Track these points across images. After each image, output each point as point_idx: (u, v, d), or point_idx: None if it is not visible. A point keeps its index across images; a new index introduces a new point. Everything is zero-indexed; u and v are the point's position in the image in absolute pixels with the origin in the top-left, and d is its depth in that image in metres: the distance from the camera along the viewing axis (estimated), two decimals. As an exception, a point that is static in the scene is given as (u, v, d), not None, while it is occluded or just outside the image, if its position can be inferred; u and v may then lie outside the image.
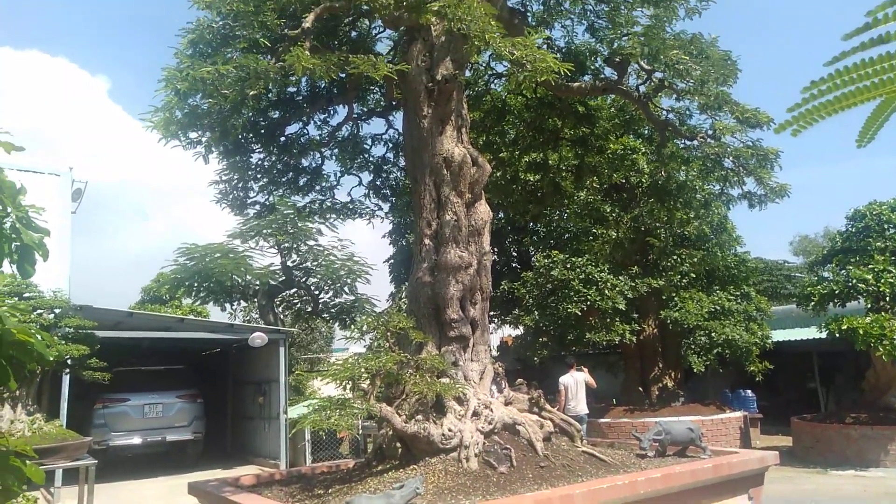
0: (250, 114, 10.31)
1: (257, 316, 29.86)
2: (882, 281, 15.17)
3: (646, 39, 11.01)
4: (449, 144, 10.65)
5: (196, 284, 24.34)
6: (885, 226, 16.05)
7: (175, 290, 26.18)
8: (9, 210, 4.52)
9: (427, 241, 10.70)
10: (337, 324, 28.65)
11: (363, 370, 8.82)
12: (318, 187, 13.08)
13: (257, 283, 25.41)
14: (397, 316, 9.53)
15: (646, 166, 17.42)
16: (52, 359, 4.16)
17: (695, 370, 19.54)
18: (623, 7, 12.19)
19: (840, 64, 1.84)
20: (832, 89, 2.00)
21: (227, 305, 26.40)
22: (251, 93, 8.59)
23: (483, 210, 10.97)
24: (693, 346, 19.12)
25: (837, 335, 15.47)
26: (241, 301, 26.97)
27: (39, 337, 3.93)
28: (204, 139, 9.62)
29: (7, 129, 4.08)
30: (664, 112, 12.76)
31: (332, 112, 12.66)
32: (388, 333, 9.53)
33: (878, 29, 1.56)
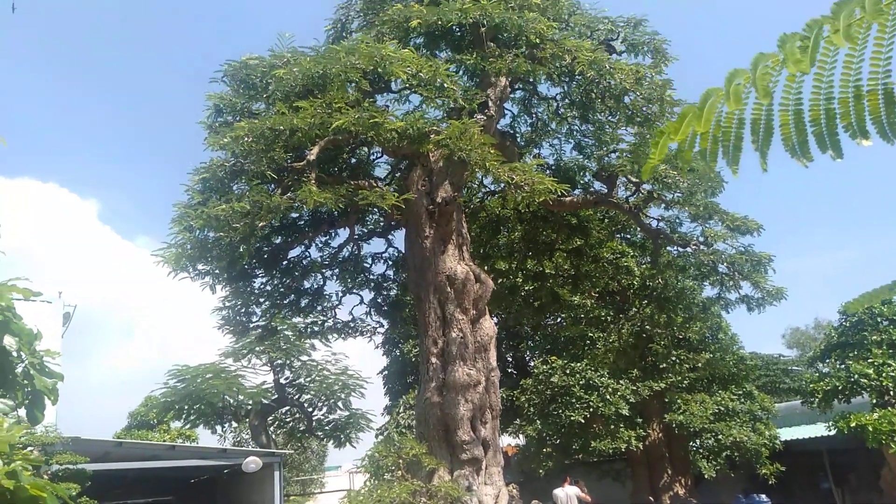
0: (257, 243, 10.52)
1: (248, 437, 28.73)
2: (884, 375, 15.17)
3: (633, 156, 11.60)
4: (451, 263, 10.87)
5: (187, 407, 23.58)
6: (879, 319, 16.26)
7: (164, 414, 25.32)
8: (23, 356, 4.48)
9: (434, 359, 10.66)
10: (331, 441, 27.64)
11: (376, 502, 8.49)
12: (319, 307, 13.13)
13: (249, 402, 24.70)
14: (409, 441, 9.30)
15: (636, 269, 17.75)
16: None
17: (705, 475, 18.94)
18: (608, 126, 12.93)
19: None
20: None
21: (218, 428, 25.48)
22: (261, 224, 8.81)
23: (488, 326, 11.04)
24: (701, 450, 18.63)
25: (847, 433, 15.22)
26: (233, 422, 26.09)
27: (50, 489, 3.79)
28: (212, 270, 9.73)
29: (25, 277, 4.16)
30: (655, 221, 13.22)
31: (333, 234, 12.95)
32: (401, 461, 9.27)
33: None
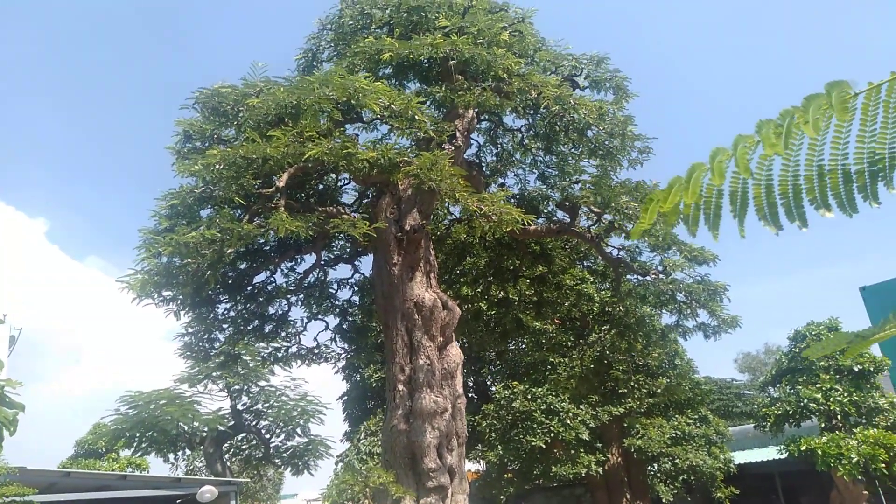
0: (224, 269, 10.43)
1: (202, 465, 27.93)
2: (831, 399, 15.85)
3: (596, 188, 11.98)
4: (419, 290, 10.98)
5: (138, 435, 22.83)
6: (825, 346, 17.01)
7: (114, 442, 24.43)
8: None
9: (401, 386, 10.69)
10: (289, 469, 27.05)
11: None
12: (284, 333, 13.01)
13: (205, 429, 24.05)
14: (376, 470, 9.29)
15: (596, 295, 18.17)
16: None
17: (663, 499, 19.29)
18: (570, 158, 13.34)
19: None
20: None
21: (171, 456, 24.70)
22: (229, 251, 8.77)
23: (455, 353, 11.14)
24: (659, 474, 19.01)
25: (797, 456, 15.80)
26: (187, 450, 25.33)
27: None
28: (177, 296, 9.61)
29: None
30: (616, 250, 13.63)
31: (299, 260, 12.92)
32: (367, 490, 9.24)
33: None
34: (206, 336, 11.98)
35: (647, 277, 12.85)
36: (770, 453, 18.83)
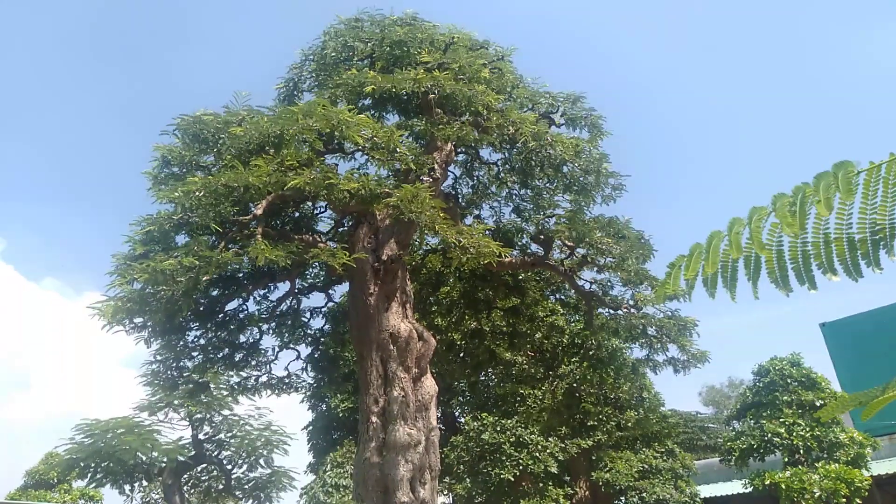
0: (196, 296, 10.27)
1: (158, 498, 26.97)
2: (794, 434, 16.18)
3: (570, 223, 12.21)
4: (395, 320, 10.96)
5: (94, 465, 21.96)
6: (788, 380, 17.44)
7: (67, 473, 23.47)
8: None
9: (374, 418, 10.60)
10: (251, 501, 26.28)
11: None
12: (254, 362, 12.80)
13: (164, 460, 23.27)
14: (349, 504, 9.12)
15: (566, 327, 18.34)
16: None
17: (630, 534, 19.30)
18: (545, 192, 13.58)
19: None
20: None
21: (127, 487, 23.81)
22: (204, 278, 8.67)
23: (429, 385, 11.11)
24: (627, 508, 19.03)
25: (762, 490, 16.03)
26: (144, 481, 24.46)
27: None
28: (147, 323, 9.41)
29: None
30: (588, 284, 13.85)
31: (272, 288, 12.78)
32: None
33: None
34: (174, 364, 11.72)
35: (619, 311, 13.08)
36: (735, 487, 19.08)
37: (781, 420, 16.67)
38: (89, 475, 22.87)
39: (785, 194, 1.81)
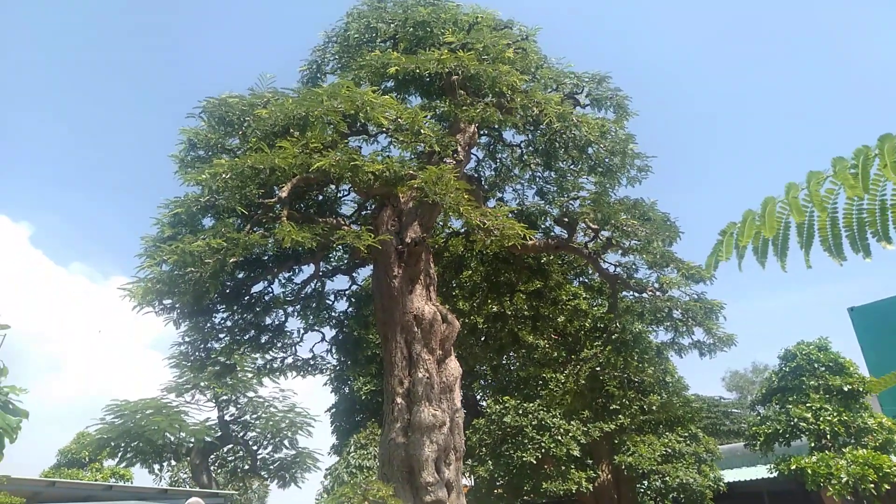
0: (223, 278, 10.40)
1: (186, 477, 27.58)
2: (821, 419, 15.97)
3: (595, 205, 12.09)
4: (419, 303, 10.98)
5: (124, 445, 22.49)
6: (816, 365, 17.20)
7: (98, 452, 24.05)
8: None
9: (399, 399, 10.66)
10: (275, 482, 26.74)
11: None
12: (280, 344, 12.94)
13: (191, 440, 23.73)
14: (376, 483, 9.24)
15: (589, 311, 18.25)
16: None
17: (652, 517, 19.29)
18: (570, 174, 13.44)
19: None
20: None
21: (156, 467, 24.37)
22: (231, 260, 8.75)
23: (454, 366, 11.13)
24: (649, 492, 19.01)
25: (787, 475, 15.87)
26: (172, 461, 25.00)
27: None
28: (176, 305, 9.55)
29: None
30: (612, 267, 13.73)
31: (297, 270, 12.88)
32: (367, 502, 9.18)
33: None
34: (202, 346, 11.90)
35: (644, 294, 12.95)
36: (759, 472, 18.93)
37: (808, 405, 16.47)
38: (119, 454, 23.46)
39: (844, 158, 1.75)
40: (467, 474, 25.92)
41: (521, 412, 19.13)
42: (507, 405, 19.51)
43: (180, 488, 23.76)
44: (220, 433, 24.19)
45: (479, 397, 28.24)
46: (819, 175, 1.78)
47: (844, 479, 14.73)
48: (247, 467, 25.81)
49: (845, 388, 16.49)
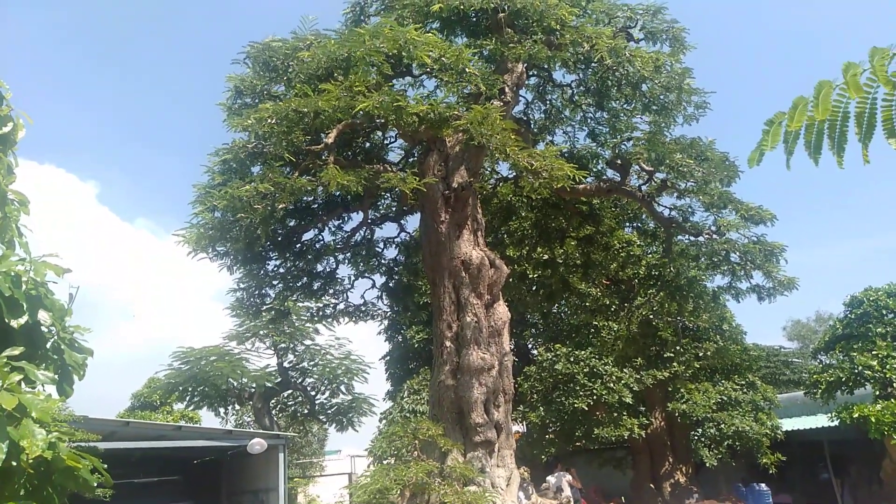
0: (274, 225, 10.58)
1: (250, 420, 28.94)
2: (888, 367, 15.33)
3: (649, 145, 11.62)
4: (467, 248, 10.93)
5: (191, 389, 23.72)
6: (884, 311, 16.42)
7: (168, 396, 25.46)
8: (54, 331, 4.55)
9: (448, 343, 10.74)
10: (333, 425, 27.80)
11: (393, 481, 8.61)
12: (331, 291, 13.20)
13: (253, 385, 24.81)
14: (425, 423, 9.42)
15: (643, 258, 17.84)
16: (95, 485, 4.05)
17: (706, 464, 19.15)
18: (622, 114, 12.94)
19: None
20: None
21: (221, 410, 25.65)
22: (280, 206, 8.85)
23: (502, 311, 11.11)
24: (703, 439, 18.83)
25: (849, 423, 15.40)
26: (236, 405, 26.26)
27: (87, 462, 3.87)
28: (229, 251, 9.79)
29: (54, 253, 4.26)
30: (667, 210, 13.29)
31: (346, 218, 12.99)
32: (416, 441, 9.39)
33: None
34: (256, 292, 12.24)
35: (700, 238, 12.51)
36: (819, 421, 18.41)
37: (874, 352, 15.81)
38: (187, 398, 24.72)
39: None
40: (519, 420, 26.27)
41: (572, 360, 19.10)
42: (558, 353, 19.51)
43: (244, 430, 24.95)
44: (280, 379, 25.20)
45: (530, 345, 28.30)
46: (883, 51, 1.56)
47: (910, 428, 14.20)
48: (306, 411, 26.88)
49: (915, 335, 15.74)
